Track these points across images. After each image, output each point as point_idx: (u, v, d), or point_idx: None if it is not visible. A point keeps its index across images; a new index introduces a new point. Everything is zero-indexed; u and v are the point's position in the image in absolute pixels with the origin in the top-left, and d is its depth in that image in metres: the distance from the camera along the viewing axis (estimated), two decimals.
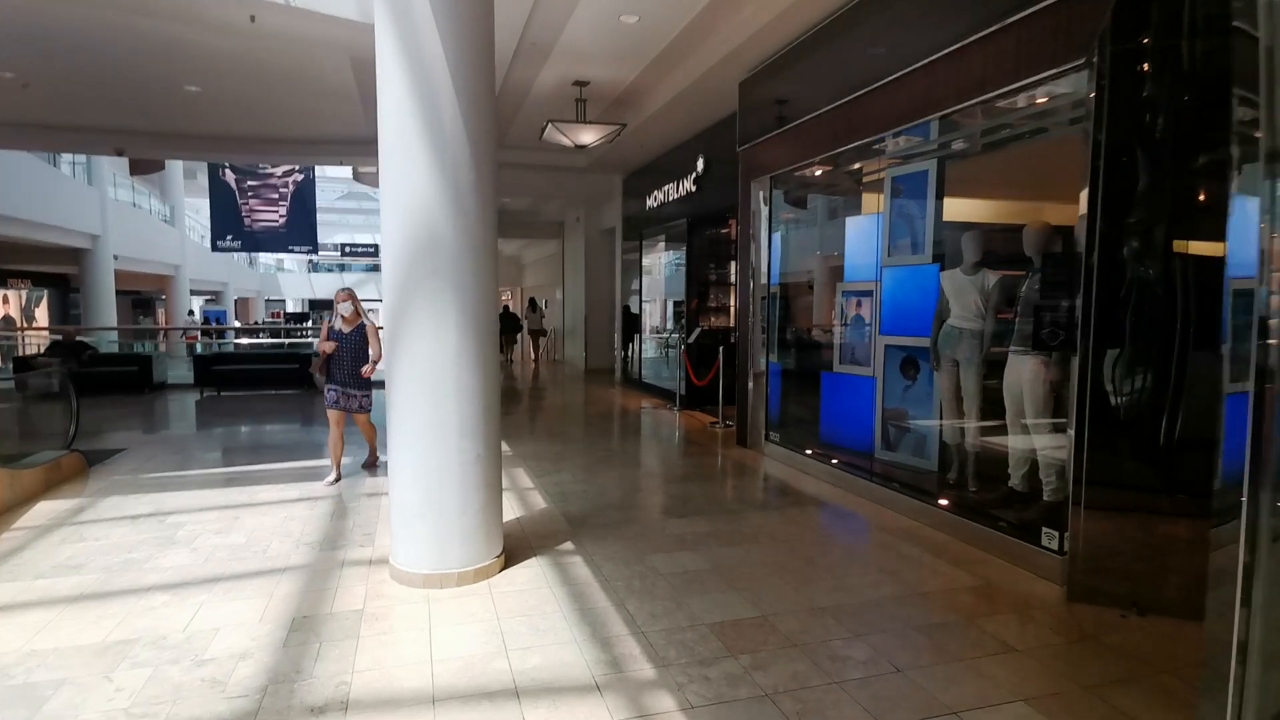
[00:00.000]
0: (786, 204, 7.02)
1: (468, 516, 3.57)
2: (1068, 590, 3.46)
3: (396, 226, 3.48)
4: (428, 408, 3.50)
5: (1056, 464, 4.11)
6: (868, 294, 5.88)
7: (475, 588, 3.53)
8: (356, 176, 15.36)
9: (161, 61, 7.22)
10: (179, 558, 3.93)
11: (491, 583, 3.59)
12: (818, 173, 6.32)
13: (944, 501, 4.60)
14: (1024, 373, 4.23)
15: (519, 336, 18.26)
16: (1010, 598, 3.45)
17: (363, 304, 5.71)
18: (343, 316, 5.50)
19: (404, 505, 3.59)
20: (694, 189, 9.42)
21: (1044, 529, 3.74)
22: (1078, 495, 3.42)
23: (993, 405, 4.82)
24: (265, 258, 39.46)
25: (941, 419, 5.17)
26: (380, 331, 5.12)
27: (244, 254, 31.91)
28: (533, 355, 18.42)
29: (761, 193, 6.81)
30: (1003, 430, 4.63)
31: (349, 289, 5.59)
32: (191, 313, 23.95)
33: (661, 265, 12.37)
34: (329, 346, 5.46)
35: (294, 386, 10.97)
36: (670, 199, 10.29)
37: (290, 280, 42.12)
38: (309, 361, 8.45)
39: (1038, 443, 4.19)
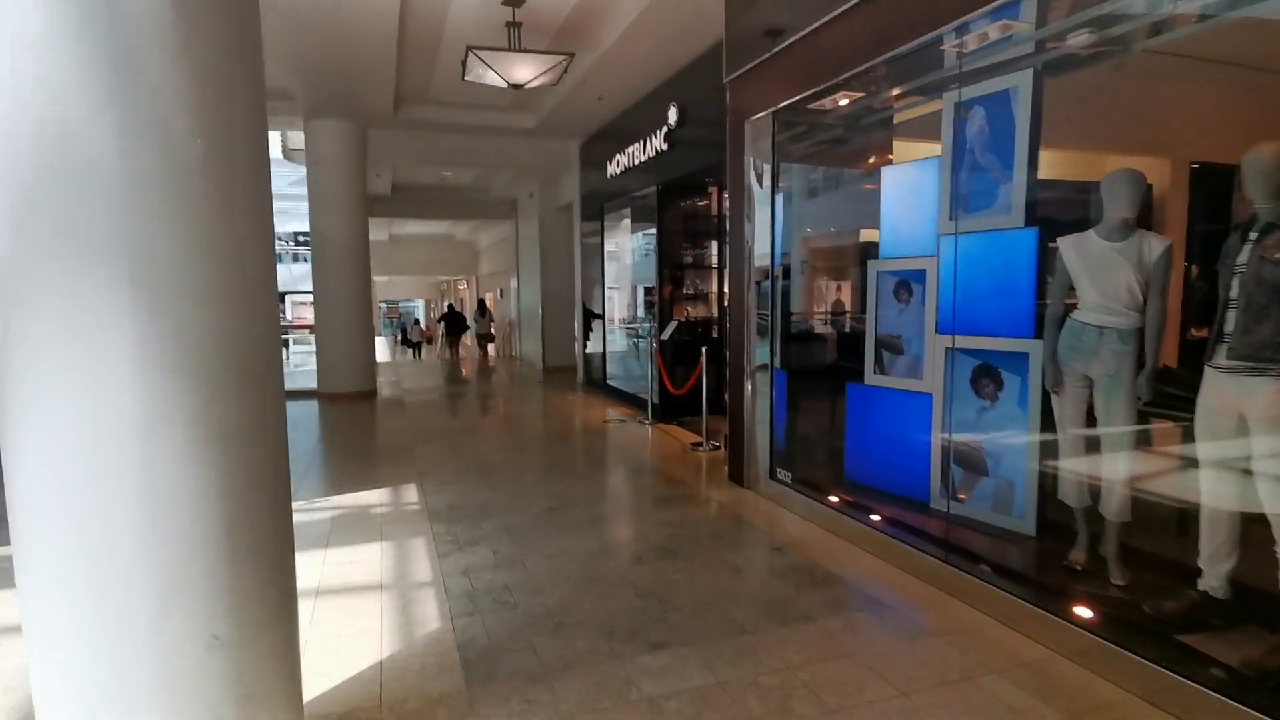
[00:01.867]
0: (794, 152, 5.15)
1: None
2: None
3: None
4: (82, 544, 1.57)
5: None
6: (919, 275, 4.06)
7: None
8: (285, 154, 13.13)
9: None
10: None
11: None
12: (842, 102, 4.45)
13: (1084, 612, 2.80)
14: (1251, 403, 2.42)
15: (463, 339, 16.40)
16: None
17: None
18: None
19: None
20: (665, 147, 7.51)
21: None
22: None
23: (1147, 444, 3.06)
24: None
25: (1052, 462, 3.38)
26: None
27: None
28: (488, 359, 16.54)
29: (759, 140, 4.91)
30: (1175, 488, 2.87)
31: None
32: None
33: (627, 246, 10.48)
34: None
35: None
36: (636, 163, 8.37)
37: None
38: None
39: (1275, 519, 2.40)
